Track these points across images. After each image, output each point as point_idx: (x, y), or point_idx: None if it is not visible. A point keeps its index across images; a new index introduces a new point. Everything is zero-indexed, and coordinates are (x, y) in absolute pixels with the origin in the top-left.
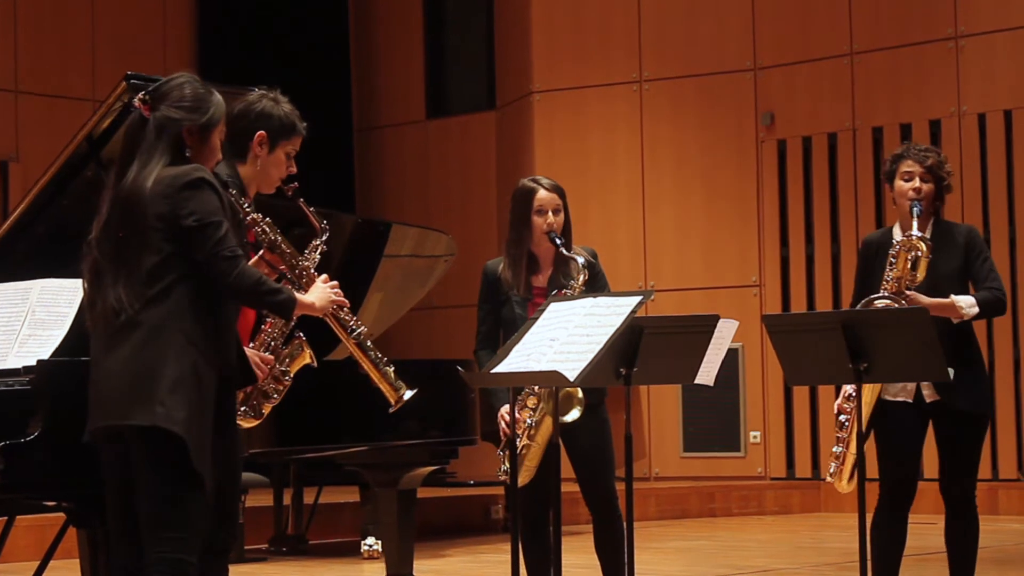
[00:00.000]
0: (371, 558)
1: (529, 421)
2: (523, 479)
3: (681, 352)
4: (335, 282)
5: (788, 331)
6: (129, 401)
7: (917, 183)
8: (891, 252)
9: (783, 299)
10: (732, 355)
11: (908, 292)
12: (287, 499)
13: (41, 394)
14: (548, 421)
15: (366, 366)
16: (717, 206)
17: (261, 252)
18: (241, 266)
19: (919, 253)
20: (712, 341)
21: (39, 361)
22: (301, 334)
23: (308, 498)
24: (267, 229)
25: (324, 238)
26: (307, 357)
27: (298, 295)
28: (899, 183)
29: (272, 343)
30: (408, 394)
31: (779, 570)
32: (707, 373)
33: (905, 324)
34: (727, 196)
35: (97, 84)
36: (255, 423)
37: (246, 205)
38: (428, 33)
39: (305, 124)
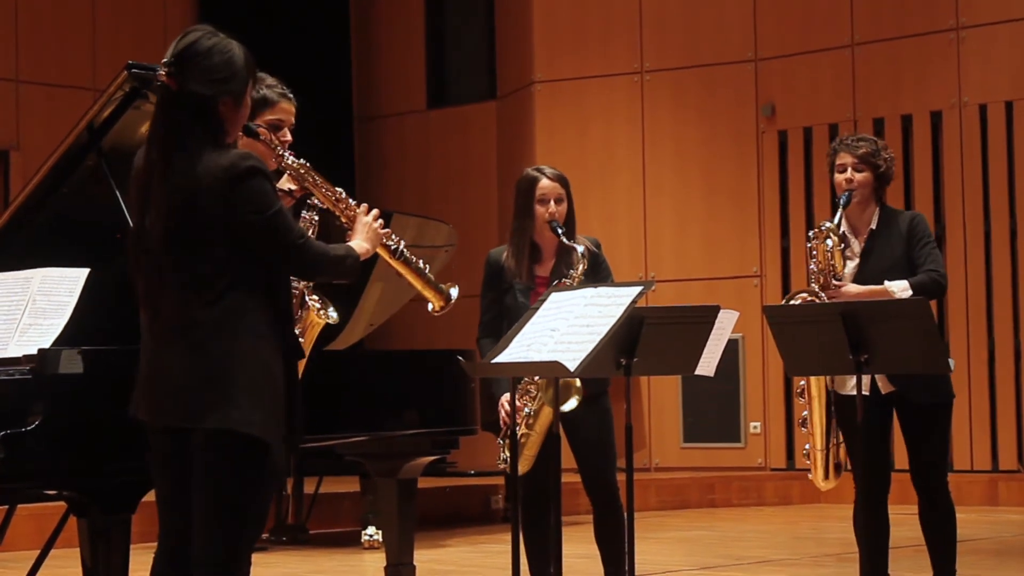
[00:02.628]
0: (371, 548)
1: (528, 410)
2: (521, 468)
3: (682, 343)
4: (375, 211)
5: (788, 322)
6: (202, 402)
7: (849, 173)
8: (808, 246)
9: (783, 290)
10: (732, 346)
11: (836, 283)
12: (287, 488)
13: (42, 383)
14: (547, 410)
15: (410, 277)
16: (717, 197)
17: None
18: (313, 247)
19: (831, 243)
20: (712, 332)
21: (40, 350)
22: (314, 297)
23: (308, 488)
24: (302, 171)
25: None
26: (315, 315)
27: (355, 246)
28: (835, 176)
29: None
30: (454, 292)
31: (779, 560)
32: (707, 364)
33: (905, 315)
34: (727, 187)
35: (98, 73)
36: None
37: (280, 150)
38: (429, 22)
39: (278, 91)
